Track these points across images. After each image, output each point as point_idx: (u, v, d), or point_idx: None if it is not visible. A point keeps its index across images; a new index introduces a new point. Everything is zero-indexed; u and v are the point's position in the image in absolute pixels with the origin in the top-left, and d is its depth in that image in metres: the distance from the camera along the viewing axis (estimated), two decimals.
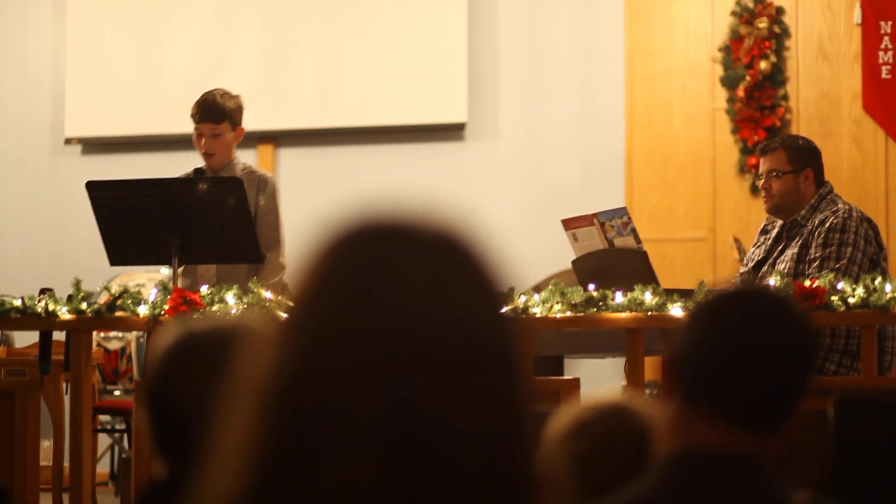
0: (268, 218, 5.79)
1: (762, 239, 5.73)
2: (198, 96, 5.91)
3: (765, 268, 5.58)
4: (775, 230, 5.66)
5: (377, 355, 1.09)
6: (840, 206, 5.54)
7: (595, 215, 5.49)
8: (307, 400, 1.09)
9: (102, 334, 8.41)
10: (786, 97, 8.54)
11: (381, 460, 1.08)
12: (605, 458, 2.17)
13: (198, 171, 5.84)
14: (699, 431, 1.91)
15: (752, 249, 5.77)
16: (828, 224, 5.46)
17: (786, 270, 5.45)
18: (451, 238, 1.14)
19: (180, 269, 5.56)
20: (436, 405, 1.09)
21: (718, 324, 1.97)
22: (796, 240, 5.54)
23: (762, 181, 5.64)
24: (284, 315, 1.13)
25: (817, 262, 5.40)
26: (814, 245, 5.46)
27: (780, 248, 5.61)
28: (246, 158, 9.04)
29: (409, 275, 1.11)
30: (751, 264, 5.69)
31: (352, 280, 1.11)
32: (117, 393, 8.54)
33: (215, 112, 5.77)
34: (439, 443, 1.09)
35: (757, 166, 5.84)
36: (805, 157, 5.63)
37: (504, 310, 1.15)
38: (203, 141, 5.78)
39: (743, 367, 1.93)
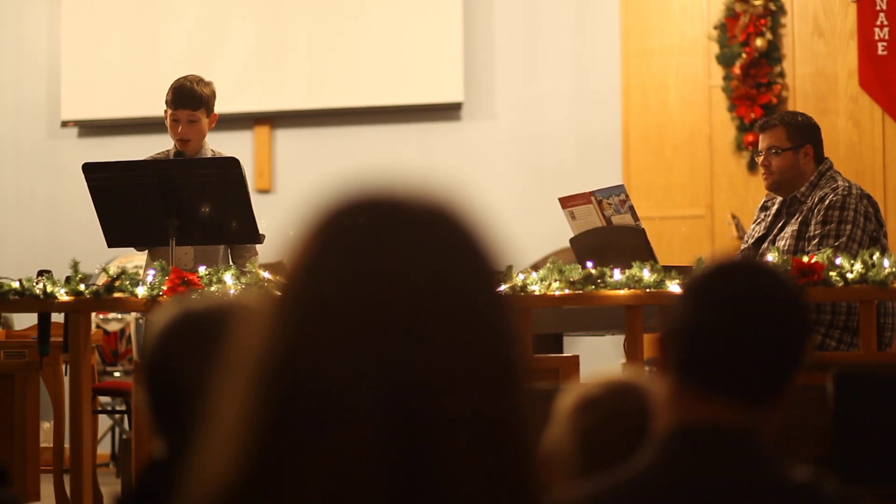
0: None
1: (762, 215, 5.72)
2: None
3: (765, 244, 5.57)
4: (775, 206, 5.66)
5: (369, 331, 1.09)
6: (840, 182, 5.53)
7: (592, 193, 5.48)
8: (300, 377, 1.09)
9: (101, 316, 8.41)
10: (782, 74, 8.53)
11: (375, 436, 1.08)
12: (610, 435, 2.17)
13: (178, 153, 5.82)
14: (694, 407, 1.91)
15: (753, 226, 5.77)
16: (827, 201, 5.45)
17: (785, 248, 5.44)
18: (444, 213, 1.13)
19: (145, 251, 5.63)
20: (430, 382, 1.09)
21: (709, 298, 1.97)
22: (796, 216, 5.53)
23: (762, 158, 5.63)
24: (278, 293, 1.13)
25: (817, 240, 5.40)
26: (813, 222, 5.45)
27: (780, 224, 5.60)
28: (243, 140, 9.09)
29: (403, 250, 1.11)
30: (751, 241, 5.68)
31: (345, 256, 1.11)
32: (117, 374, 8.55)
33: (193, 99, 5.74)
34: (435, 422, 1.09)
35: (755, 143, 5.83)
36: (804, 133, 5.62)
37: (500, 285, 1.15)
38: (180, 127, 5.75)
39: (734, 341, 1.93)
